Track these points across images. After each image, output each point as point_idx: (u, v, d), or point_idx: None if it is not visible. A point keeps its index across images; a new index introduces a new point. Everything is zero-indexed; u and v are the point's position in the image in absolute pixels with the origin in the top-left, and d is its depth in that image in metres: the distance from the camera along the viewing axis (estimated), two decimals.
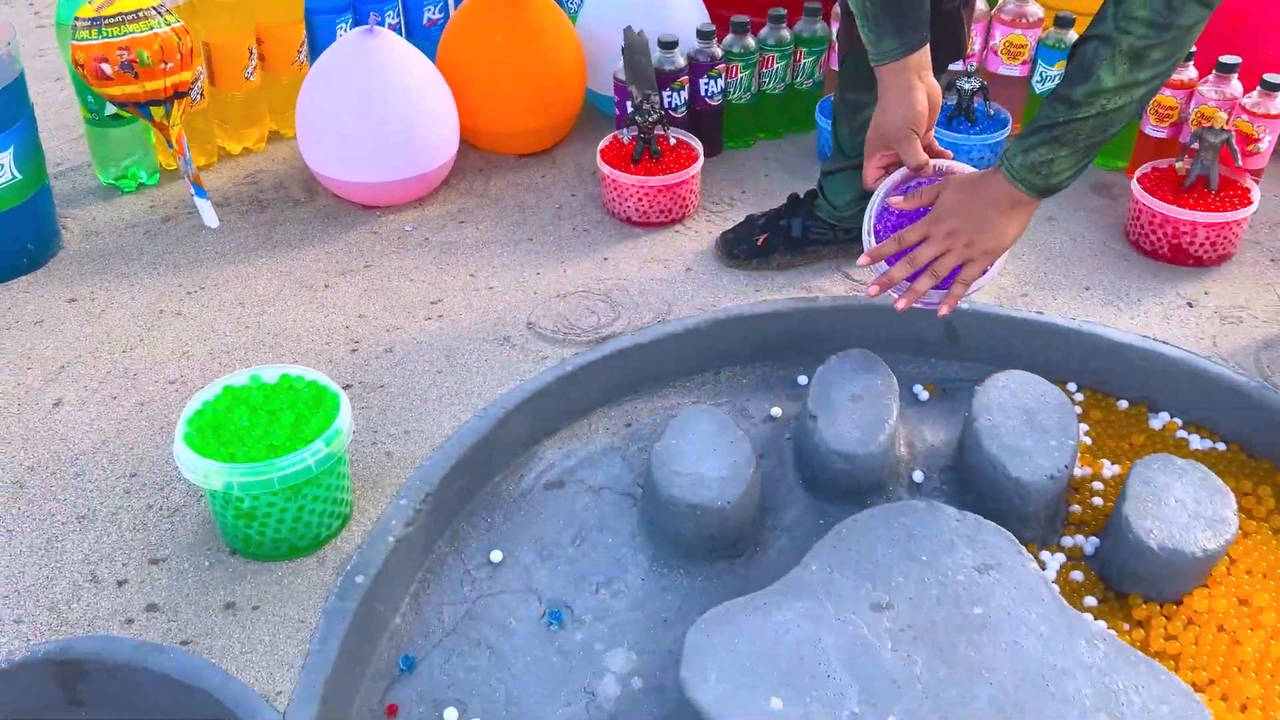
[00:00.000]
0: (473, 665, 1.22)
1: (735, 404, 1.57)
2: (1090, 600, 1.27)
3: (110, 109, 1.77)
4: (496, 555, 1.34)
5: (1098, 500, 1.39)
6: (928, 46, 1.34)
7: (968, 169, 1.39)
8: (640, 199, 1.78)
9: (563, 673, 1.22)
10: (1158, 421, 1.50)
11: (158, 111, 1.65)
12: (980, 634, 1.13)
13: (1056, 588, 1.21)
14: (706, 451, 1.35)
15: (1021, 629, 1.14)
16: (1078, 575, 1.30)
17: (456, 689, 1.20)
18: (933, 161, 1.38)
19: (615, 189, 1.79)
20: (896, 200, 1.37)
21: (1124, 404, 1.53)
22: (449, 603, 1.29)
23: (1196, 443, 1.47)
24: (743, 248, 1.69)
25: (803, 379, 1.60)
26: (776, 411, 1.55)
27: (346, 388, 1.47)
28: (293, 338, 1.56)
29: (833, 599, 1.17)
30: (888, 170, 1.41)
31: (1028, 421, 1.37)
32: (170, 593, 1.19)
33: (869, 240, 1.40)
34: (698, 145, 1.82)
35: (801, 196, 1.72)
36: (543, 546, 1.36)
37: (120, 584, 1.20)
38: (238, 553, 1.23)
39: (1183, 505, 1.27)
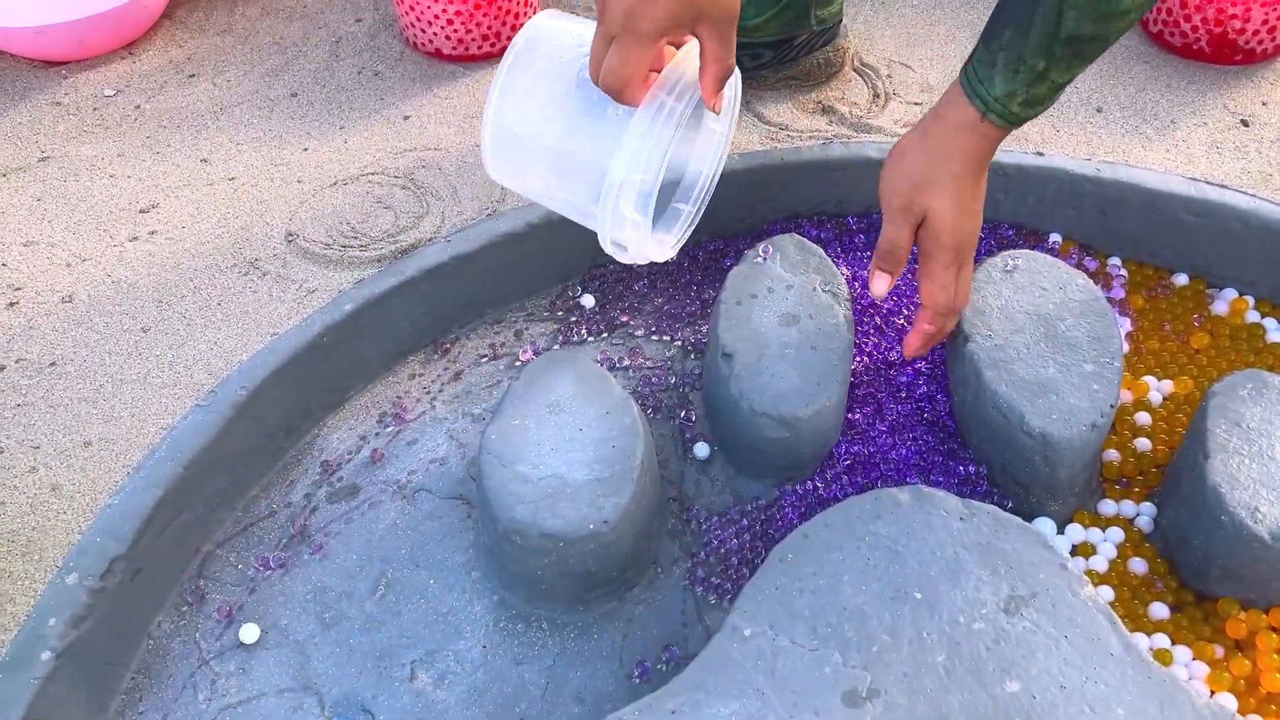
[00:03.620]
0: None
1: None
2: (1160, 611, 0.84)
3: None
4: (250, 633, 0.85)
5: (1142, 441, 0.94)
6: None
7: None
8: (453, 20, 1.20)
9: None
10: (1222, 304, 1.05)
11: None
12: None
13: (1131, 635, 0.77)
14: (569, 434, 0.86)
15: (1084, 712, 0.70)
16: (1138, 565, 0.87)
17: None
18: None
19: (417, 8, 1.21)
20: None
21: (1182, 278, 1.07)
22: None
23: (1276, 330, 1.02)
24: None
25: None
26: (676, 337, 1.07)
27: None
28: None
29: (781, 690, 0.72)
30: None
31: (1046, 335, 0.91)
32: None
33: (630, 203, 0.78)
34: None
35: None
36: (325, 606, 0.87)
37: None
38: None
39: None
